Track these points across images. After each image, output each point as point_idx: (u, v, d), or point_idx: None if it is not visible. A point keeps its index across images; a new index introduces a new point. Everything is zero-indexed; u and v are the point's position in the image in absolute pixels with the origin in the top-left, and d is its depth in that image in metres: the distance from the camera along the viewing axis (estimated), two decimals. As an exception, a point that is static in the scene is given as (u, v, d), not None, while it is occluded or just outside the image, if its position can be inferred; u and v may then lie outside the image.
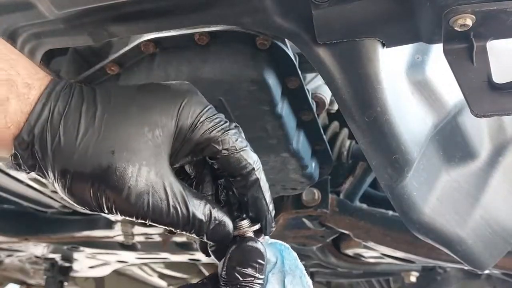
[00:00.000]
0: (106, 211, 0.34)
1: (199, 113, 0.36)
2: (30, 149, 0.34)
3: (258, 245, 0.36)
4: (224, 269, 0.35)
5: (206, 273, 1.45)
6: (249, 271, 0.35)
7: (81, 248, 1.20)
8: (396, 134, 0.47)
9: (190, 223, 0.35)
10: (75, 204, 0.35)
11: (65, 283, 1.41)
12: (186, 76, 0.51)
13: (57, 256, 1.34)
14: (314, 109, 0.60)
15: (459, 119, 0.59)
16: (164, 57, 0.52)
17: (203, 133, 0.36)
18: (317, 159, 0.68)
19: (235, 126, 0.38)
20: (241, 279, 0.34)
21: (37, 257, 1.37)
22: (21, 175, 0.85)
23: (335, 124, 0.82)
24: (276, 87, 0.52)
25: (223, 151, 0.36)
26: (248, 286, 0.34)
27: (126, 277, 1.75)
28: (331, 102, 0.66)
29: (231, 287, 0.34)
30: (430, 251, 0.82)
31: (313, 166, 0.66)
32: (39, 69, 0.35)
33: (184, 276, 1.58)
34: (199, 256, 1.18)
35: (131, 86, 0.37)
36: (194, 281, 1.62)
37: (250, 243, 0.36)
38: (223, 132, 0.36)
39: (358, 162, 0.87)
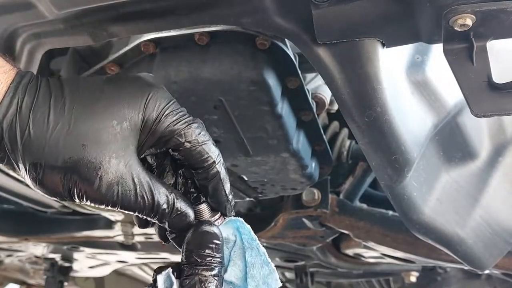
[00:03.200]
0: (77, 200, 0.36)
1: (164, 107, 0.37)
2: None
3: (213, 228, 0.38)
4: (184, 253, 0.37)
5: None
6: (207, 252, 0.37)
7: (81, 248, 1.20)
8: (396, 134, 0.47)
9: (154, 210, 0.36)
10: (46, 195, 0.36)
11: (65, 283, 1.41)
12: (186, 76, 0.51)
13: (57, 256, 1.34)
14: (314, 109, 0.60)
15: (459, 119, 0.59)
16: (164, 57, 0.52)
17: (167, 126, 0.37)
18: (317, 159, 0.68)
19: (198, 121, 0.39)
20: (199, 260, 0.36)
21: (37, 257, 1.37)
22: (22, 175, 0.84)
23: (335, 124, 0.82)
24: (276, 87, 0.52)
25: (186, 144, 0.37)
26: (208, 265, 0.36)
27: (126, 277, 1.74)
28: (331, 102, 0.66)
29: (191, 268, 0.36)
30: (430, 251, 0.82)
31: (313, 166, 0.66)
32: (4, 62, 0.36)
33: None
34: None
35: (98, 78, 0.38)
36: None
37: (205, 227, 0.38)
38: (186, 125, 0.37)
39: (358, 162, 0.87)
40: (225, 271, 0.38)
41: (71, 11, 0.43)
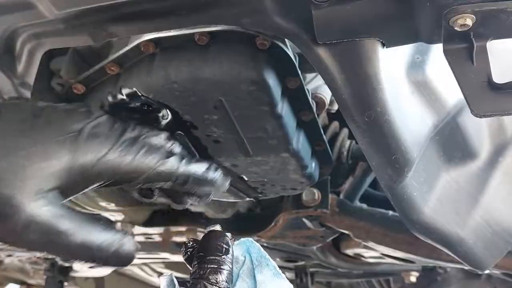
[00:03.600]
0: None
1: (101, 148, 0.34)
2: None
3: (224, 236, 0.38)
4: (196, 255, 0.37)
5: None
6: (215, 249, 0.37)
7: (81, 248, 1.20)
8: (396, 134, 0.47)
9: (84, 252, 0.34)
10: None
11: (65, 283, 1.41)
12: (186, 76, 0.51)
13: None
14: (314, 109, 0.60)
15: (459, 119, 0.59)
16: (164, 57, 0.52)
17: (108, 168, 0.34)
18: (317, 159, 0.68)
19: (141, 140, 0.36)
20: (208, 257, 0.36)
21: (37, 257, 1.37)
22: None
23: (335, 124, 0.82)
24: (276, 87, 0.52)
25: (139, 178, 0.35)
26: (216, 260, 0.36)
27: (126, 277, 1.75)
28: (331, 102, 0.66)
29: (201, 266, 0.36)
30: (430, 251, 0.82)
31: (313, 166, 0.66)
32: None
33: (184, 276, 1.58)
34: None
35: (28, 109, 0.35)
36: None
37: (211, 232, 0.38)
38: (131, 160, 0.34)
39: (358, 162, 0.87)
40: (234, 286, 0.39)
41: (71, 11, 0.43)
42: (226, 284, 0.36)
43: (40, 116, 0.35)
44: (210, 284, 0.35)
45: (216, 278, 0.35)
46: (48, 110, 0.36)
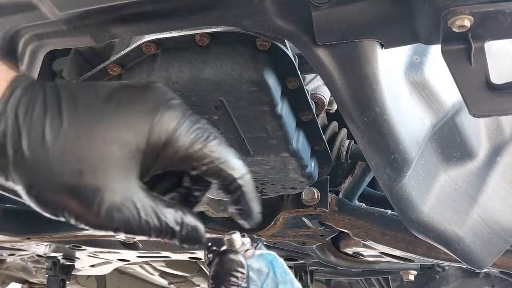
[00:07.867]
0: (76, 224, 0.35)
1: (173, 129, 0.34)
2: None
3: (238, 257, 0.38)
4: (210, 281, 0.38)
5: (207, 272, 1.46)
6: (232, 280, 0.37)
7: (83, 247, 1.21)
8: (395, 134, 0.47)
9: (162, 231, 0.35)
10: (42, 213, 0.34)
11: (67, 282, 1.42)
12: (187, 77, 0.52)
13: (59, 255, 1.35)
14: (314, 110, 0.60)
15: (457, 119, 0.60)
16: (165, 58, 0.53)
17: (177, 151, 0.34)
18: (316, 159, 0.68)
19: (215, 134, 0.36)
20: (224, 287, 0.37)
21: (39, 256, 1.37)
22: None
23: (334, 124, 0.83)
24: (276, 88, 0.52)
25: (202, 167, 0.35)
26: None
27: (127, 275, 1.75)
28: (330, 103, 0.67)
29: None
30: (429, 250, 0.82)
31: (312, 166, 0.67)
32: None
33: (185, 274, 1.59)
34: (200, 254, 1.18)
35: (100, 93, 0.35)
36: (196, 279, 1.63)
37: (230, 256, 0.38)
38: (201, 147, 0.34)
39: (357, 162, 0.87)
40: None
41: (73, 12, 0.44)
42: None
43: (110, 102, 0.34)
44: None
45: None
46: (118, 93, 0.35)
